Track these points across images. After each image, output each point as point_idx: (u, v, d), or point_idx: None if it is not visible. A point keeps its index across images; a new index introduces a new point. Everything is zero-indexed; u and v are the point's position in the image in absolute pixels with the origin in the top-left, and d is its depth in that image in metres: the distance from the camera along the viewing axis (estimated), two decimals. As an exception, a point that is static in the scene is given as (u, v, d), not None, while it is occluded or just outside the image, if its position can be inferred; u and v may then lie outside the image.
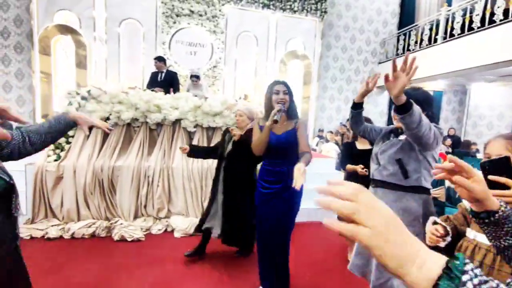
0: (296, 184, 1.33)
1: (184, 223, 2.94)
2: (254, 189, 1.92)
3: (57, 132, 1.07)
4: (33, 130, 1.01)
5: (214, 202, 2.32)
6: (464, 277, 0.29)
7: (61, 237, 2.67)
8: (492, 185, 0.76)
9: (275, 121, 1.56)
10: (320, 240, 2.96)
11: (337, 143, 5.83)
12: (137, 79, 5.88)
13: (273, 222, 1.75)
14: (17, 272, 0.91)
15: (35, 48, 5.61)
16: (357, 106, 1.60)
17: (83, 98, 3.18)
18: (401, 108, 1.12)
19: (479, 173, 0.63)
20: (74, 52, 5.76)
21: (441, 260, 0.31)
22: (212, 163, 3.28)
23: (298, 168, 1.37)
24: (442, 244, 1.00)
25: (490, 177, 0.76)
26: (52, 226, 2.75)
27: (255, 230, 2.10)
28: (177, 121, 3.34)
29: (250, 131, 2.06)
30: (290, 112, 1.75)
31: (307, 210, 3.40)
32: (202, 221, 2.33)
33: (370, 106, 8.20)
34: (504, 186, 0.76)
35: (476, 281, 0.29)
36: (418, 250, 0.32)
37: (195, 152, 2.41)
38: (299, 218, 3.14)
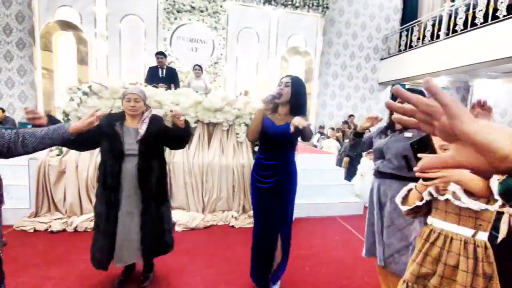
0: (296, 122, 1.48)
1: (185, 218, 2.97)
2: (167, 185, 1.92)
3: (52, 140, 1.05)
4: (29, 133, 0.99)
5: (119, 217, 1.72)
6: None
7: (64, 230, 2.71)
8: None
9: (266, 102, 1.65)
10: (317, 235, 2.99)
11: (338, 140, 5.83)
12: (138, 75, 5.89)
13: (272, 216, 1.77)
14: None
15: (36, 44, 5.62)
16: (359, 134, 1.72)
17: (84, 93, 3.20)
18: None
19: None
20: (75, 48, 5.77)
21: None
22: (213, 158, 3.31)
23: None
24: (420, 203, 1.12)
25: (419, 155, 0.87)
26: (56, 219, 2.79)
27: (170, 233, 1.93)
28: (178, 117, 3.36)
29: (156, 120, 1.82)
30: (294, 107, 1.70)
31: (306, 206, 3.44)
32: (109, 253, 1.72)
33: (372, 102, 8.18)
34: None
35: None
36: None
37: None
38: (298, 213, 3.19)
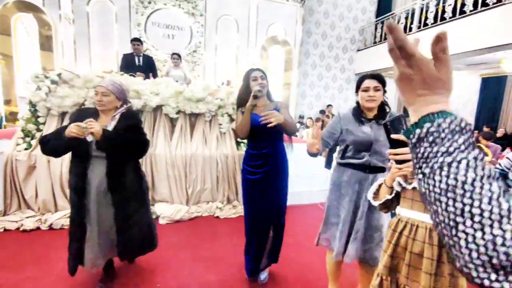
0: (268, 116, 1.54)
1: (168, 210, 2.93)
2: (145, 185, 1.80)
3: None
4: None
5: (86, 221, 1.61)
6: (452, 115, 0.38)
7: (38, 228, 2.56)
8: (394, 143, 0.88)
9: (255, 97, 1.65)
10: (300, 222, 3.10)
11: (317, 129, 5.98)
12: (111, 63, 5.55)
13: (265, 206, 1.79)
14: None
15: (-8, 27, 5.05)
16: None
17: (53, 82, 2.96)
18: None
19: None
20: (38, 32, 5.27)
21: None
22: (196, 149, 3.26)
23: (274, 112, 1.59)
24: (389, 196, 1.12)
25: (392, 136, 0.85)
26: (27, 217, 2.62)
27: (153, 228, 1.90)
28: (159, 108, 3.24)
29: (126, 117, 1.64)
30: (269, 96, 1.86)
31: (291, 194, 3.52)
32: (79, 255, 1.63)
33: (348, 92, 8.42)
34: (405, 144, 0.87)
35: (459, 119, 0.38)
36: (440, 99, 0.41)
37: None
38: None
